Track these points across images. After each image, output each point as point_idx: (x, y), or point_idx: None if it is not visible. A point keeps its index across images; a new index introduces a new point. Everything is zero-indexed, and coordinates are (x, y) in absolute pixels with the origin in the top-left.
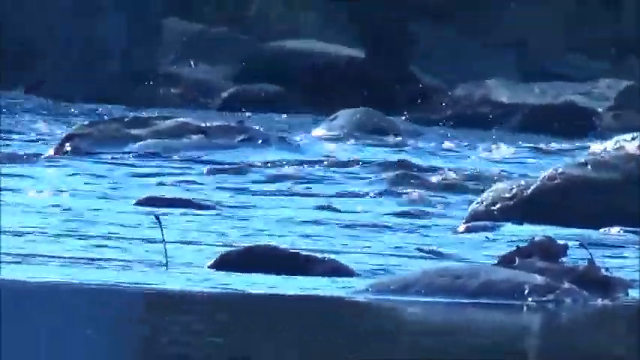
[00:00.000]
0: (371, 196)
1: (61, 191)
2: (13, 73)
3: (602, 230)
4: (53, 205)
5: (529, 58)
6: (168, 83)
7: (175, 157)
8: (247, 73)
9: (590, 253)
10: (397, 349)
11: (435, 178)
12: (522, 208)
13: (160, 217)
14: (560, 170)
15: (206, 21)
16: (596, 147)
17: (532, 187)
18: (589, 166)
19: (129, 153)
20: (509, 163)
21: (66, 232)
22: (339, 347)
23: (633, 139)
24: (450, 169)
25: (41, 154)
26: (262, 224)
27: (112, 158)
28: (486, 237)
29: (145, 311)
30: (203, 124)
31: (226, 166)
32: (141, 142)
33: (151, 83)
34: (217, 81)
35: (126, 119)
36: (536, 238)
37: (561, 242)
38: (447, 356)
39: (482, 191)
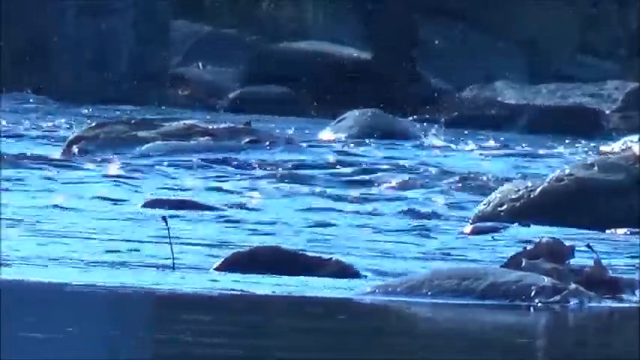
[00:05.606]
0: (377, 198)
1: (68, 193)
2: (20, 74)
3: (608, 231)
4: (59, 207)
5: (539, 58)
6: (176, 84)
7: (182, 158)
8: (255, 74)
9: (597, 255)
10: (404, 350)
11: (441, 179)
12: (529, 210)
13: (167, 218)
14: (567, 171)
15: (214, 22)
16: (604, 148)
17: (539, 189)
18: (596, 168)
19: (136, 155)
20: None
21: (72, 234)
22: (346, 349)
23: None
24: (453, 170)
25: (48, 156)
26: (268, 226)
27: (119, 160)
28: (493, 238)
29: (151, 313)
30: (210, 126)
31: (233, 168)
32: (148, 144)
33: (159, 84)
34: (225, 82)
35: (133, 121)
36: (543, 240)
37: (568, 243)
38: (454, 358)
39: (490, 192)
